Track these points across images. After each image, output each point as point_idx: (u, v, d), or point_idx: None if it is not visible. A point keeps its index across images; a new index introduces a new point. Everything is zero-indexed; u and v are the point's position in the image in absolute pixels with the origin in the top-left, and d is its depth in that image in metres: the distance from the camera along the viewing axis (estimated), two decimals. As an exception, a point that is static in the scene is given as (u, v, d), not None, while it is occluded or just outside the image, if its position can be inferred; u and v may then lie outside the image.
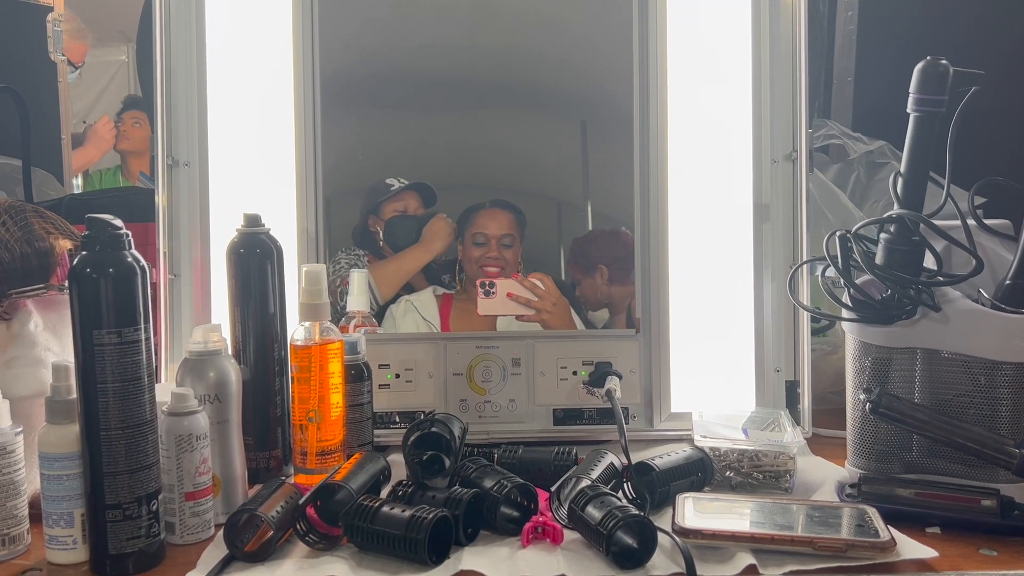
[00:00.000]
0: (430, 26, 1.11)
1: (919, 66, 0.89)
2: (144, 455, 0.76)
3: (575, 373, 1.09)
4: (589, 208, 1.11)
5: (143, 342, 0.75)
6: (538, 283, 1.09)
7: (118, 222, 0.75)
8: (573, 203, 1.12)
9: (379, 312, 1.09)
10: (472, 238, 1.09)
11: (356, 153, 1.11)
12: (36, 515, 0.80)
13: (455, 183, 1.12)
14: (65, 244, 0.88)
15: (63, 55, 1.68)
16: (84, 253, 0.74)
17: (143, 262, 0.76)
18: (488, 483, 0.83)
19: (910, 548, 0.77)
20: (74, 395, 0.76)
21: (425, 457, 0.87)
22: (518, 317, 1.09)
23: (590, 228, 1.11)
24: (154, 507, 0.77)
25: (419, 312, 1.10)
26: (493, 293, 1.09)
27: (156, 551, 0.77)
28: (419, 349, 1.09)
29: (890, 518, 0.80)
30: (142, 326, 0.75)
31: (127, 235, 0.75)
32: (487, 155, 1.13)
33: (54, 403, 0.78)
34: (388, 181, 1.10)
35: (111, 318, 0.73)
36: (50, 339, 0.87)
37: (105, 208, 0.94)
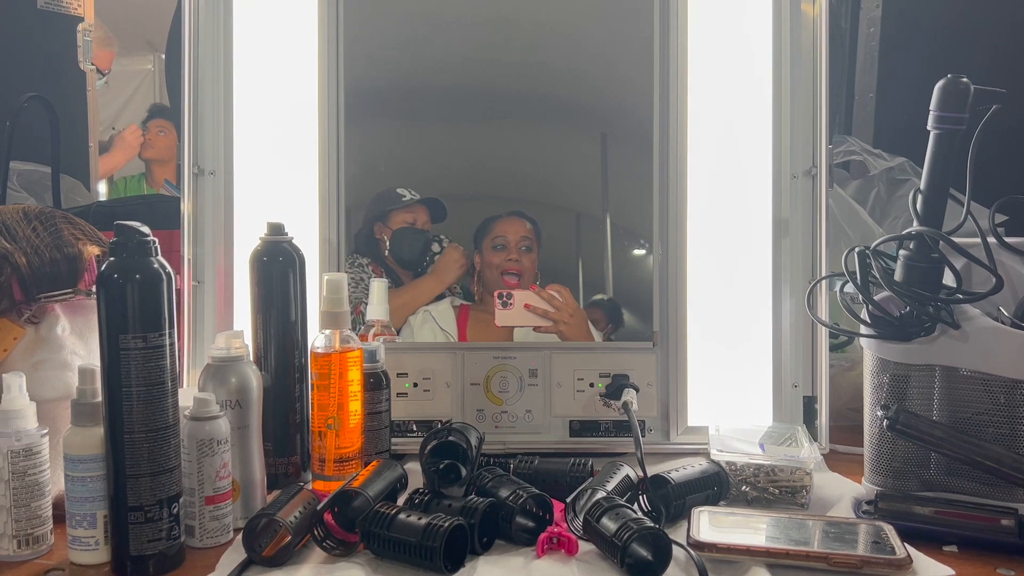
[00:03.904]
0: (452, 40, 1.12)
1: (940, 84, 0.89)
2: (166, 458, 0.77)
3: (592, 385, 1.10)
4: (608, 220, 1.12)
5: (167, 347, 0.76)
6: (555, 295, 1.10)
7: (146, 229, 0.76)
8: (592, 215, 1.12)
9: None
10: (491, 243, 1.10)
11: (378, 164, 1.13)
12: (59, 516, 0.81)
13: (475, 195, 1.14)
14: (93, 250, 0.90)
15: (92, 64, 1.72)
16: (112, 259, 0.75)
17: (169, 269, 0.77)
18: (504, 493, 0.84)
19: (926, 566, 0.77)
20: (99, 398, 0.78)
21: (442, 466, 0.88)
22: (535, 328, 1.10)
23: (608, 240, 1.11)
24: (175, 510, 0.78)
25: (437, 322, 1.11)
26: (511, 304, 1.09)
27: (176, 554, 0.79)
28: (437, 359, 1.10)
29: (907, 536, 0.80)
30: (167, 331, 0.76)
31: (154, 242, 0.77)
32: (507, 167, 1.14)
33: (79, 406, 0.79)
34: (399, 191, 1.11)
35: (137, 323, 0.75)
36: (76, 343, 0.89)
37: (131, 215, 0.96)
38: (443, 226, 1.12)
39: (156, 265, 0.76)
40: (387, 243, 1.11)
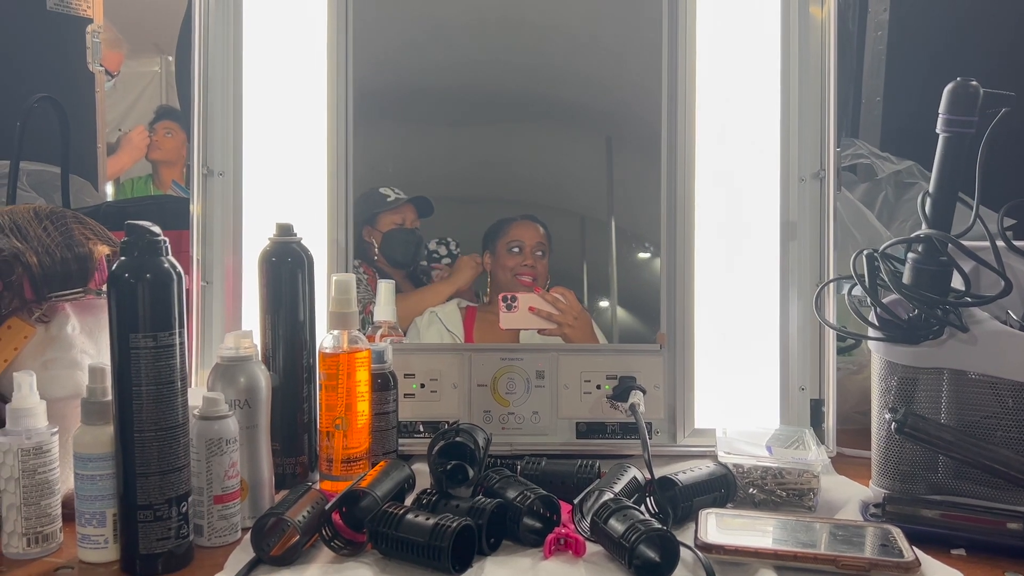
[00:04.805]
0: (459, 42, 1.13)
1: (949, 87, 0.89)
2: (175, 457, 0.77)
3: (599, 387, 1.10)
4: (612, 223, 1.12)
5: (177, 346, 0.77)
6: (560, 297, 1.10)
7: (156, 229, 0.77)
8: (596, 218, 1.12)
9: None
10: (507, 246, 1.11)
11: (386, 165, 1.13)
12: (69, 514, 0.82)
13: (480, 197, 1.14)
14: (103, 250, 0.90)
15: (101, 65, 1.72)
16: (123, 259, 0.76)
17: (179, 268, 0.77)
18: (511, 494, 0.84)
19: (934, 569, 0.77)
20: (109, 397, 0.78)
21: (449, 466, 0.88)
22: (540, 331, 1.10)
23: (613, 243, 1.12)
24: (184, 509, 0.78)
25: (443, 323, 1.11)
26: (515, 307, 1.09)
27: (185, 552, 0.79)
28: (444, 360, 1.10)
29: (915, 539, 0.80)
30: (177, 331, 0.77)
31: (165, 242, 0.77)
32: (512, 169, 1.14)
33: (90, 404, 0.79)
34: (383, 191, 1.11)
35: (147, 322, 0.75)
36: (86, 342, 0.89)
37: (141, 215, 0.96)
38: (449, 227, 1.12)
39: (167, 265, 0.76)
40: (376, 246, 1.11)
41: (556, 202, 1.14)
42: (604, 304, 1.12)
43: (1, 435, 0.80)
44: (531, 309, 1.10)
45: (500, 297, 1.10)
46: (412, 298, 1.11)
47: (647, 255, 1.12)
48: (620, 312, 1.12)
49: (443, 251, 1.12)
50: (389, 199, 1.11)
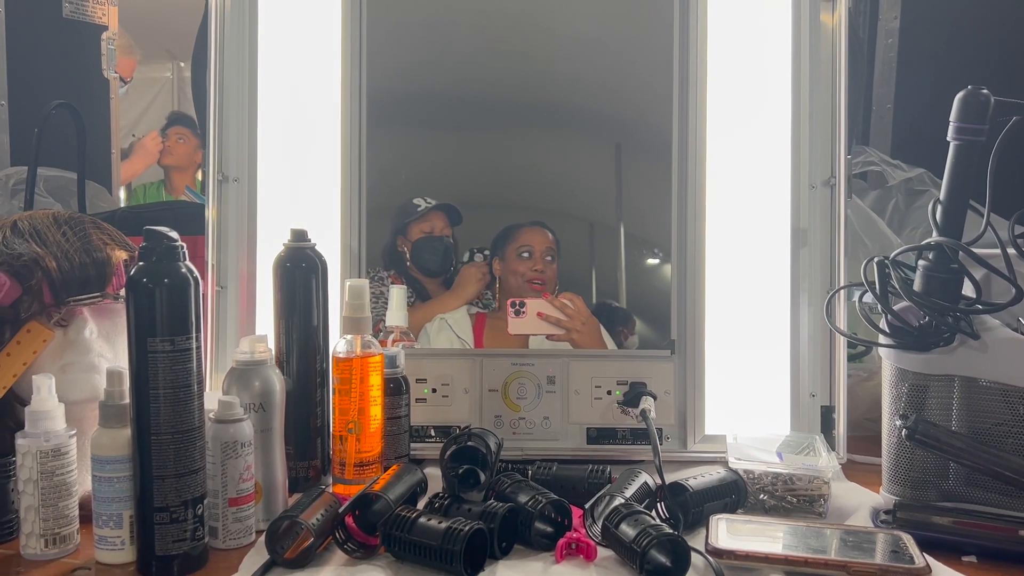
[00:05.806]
0: (471, 49, 1.14)
1: (960, 95, 0.89)
2: (192, 460, 0.78)
3: (609, 392, 1.10)
4: (622, 229, 1.12)
5: (194, 350, 0.78)
6: (568, 303, 1.10)
7: (174, 234, 0.78)
8: (606, 224, 1.13)
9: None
10: (516, 252, 1.11)
11: (399, 171, 1.14)
12: (86, 516, 0.83)
13: (490, 202, 1.15)
14: (121, 255, 0.91)
15: (115, 72, 1.74)
16: (141, 263, 0.77)
17: (196, 273, 0.78)
18: (523, 498, 0.84)
19: (945, 576, 0.77)
20: (127, 400, 0.79)
21: (461, 471, 0.89)
22: (548, 336, 1.11)
23: (622, 249, 1.12)
24: (199, 511, 0.79)
25: (453, 330, 1.12)
26: (523, 313, 1.10)
27: (200, 554, 0.80)
28: (456, 365, 1.11)
29: (926, 545, 0.80)
30: (194, 335, 0.77)
31: (182, 247, 0.78)
32: (522, 175, 1.15)
33: (107, 407, 0.80)
34: (415, 201, 1.12)
35: (165, 326, 0.76)
36: (104, 346, 0.90)
37: (156, 221, 0.97)
38: (457, 232, 1.13)
39: (184, 270, 0.77)
40: (407, 255, 1.12)
41: (566, 207, 1.14)
42: (614, 310, 1.13)
43: (20, 437, 0.81)
44: (539, 315, 1.10)
45: (508, 303, 1.10)
46: (420, 310, 1.12)
47: (656, 261, 1.13)
48: (629, 318, 1.12)
49: (480, 259, 1.12)
50: (420, 208, 1.12)
